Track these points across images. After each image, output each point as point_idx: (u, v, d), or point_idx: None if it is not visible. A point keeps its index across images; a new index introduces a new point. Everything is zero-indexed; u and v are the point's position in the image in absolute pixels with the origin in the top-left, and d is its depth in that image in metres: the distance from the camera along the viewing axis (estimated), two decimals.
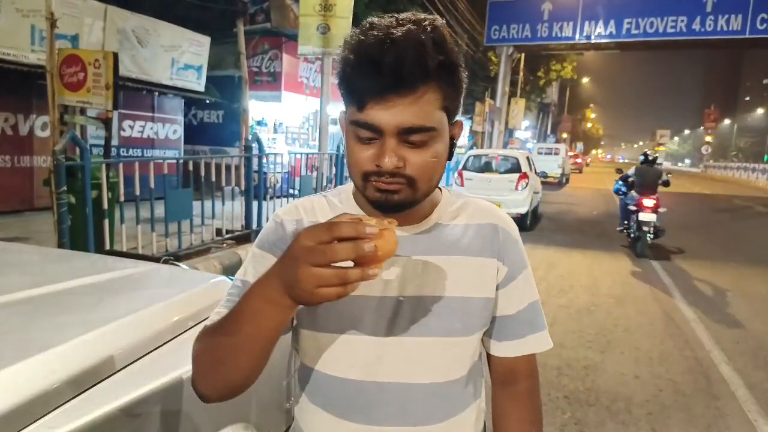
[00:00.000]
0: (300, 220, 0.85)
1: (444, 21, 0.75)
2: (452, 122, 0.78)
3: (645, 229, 7.41)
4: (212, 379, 0.73)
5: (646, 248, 7.50)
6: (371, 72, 0.68)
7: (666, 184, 7.89)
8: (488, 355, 0.92)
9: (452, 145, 0.80)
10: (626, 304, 5.21)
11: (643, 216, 7.39)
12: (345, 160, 0.82)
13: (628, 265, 7.07)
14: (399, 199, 0.75)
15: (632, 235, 7.89)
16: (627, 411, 3.05)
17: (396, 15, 0.73)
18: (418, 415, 0.81)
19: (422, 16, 0.73)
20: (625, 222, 8.16)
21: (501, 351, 0.89)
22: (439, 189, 0.88)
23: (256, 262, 0.84)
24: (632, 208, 7.70)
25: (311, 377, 0.85)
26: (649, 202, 7.38)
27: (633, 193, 7.84)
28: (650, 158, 7.97)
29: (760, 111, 75.09)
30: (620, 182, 8.28)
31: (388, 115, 0.69)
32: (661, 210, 7.50)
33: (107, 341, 1.11)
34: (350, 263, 0.59)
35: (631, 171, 8.12)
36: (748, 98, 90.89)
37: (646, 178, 7.77)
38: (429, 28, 0.70)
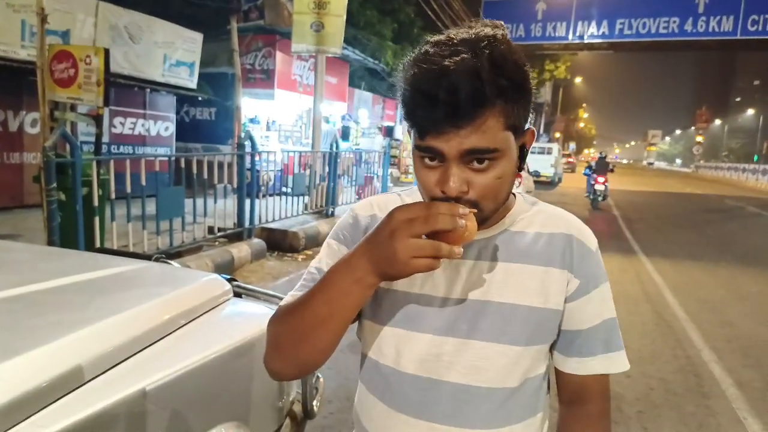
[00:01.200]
0: (374, 215, 0.88)
1: (504, 32, 0.73)
2: (522, 133, 0.76)
3: (597, 193, 13.81)
4: (290, 357, 0.78)
5: (598, 204, 13.84)
6: (427, 106, 0.68)
7: (611, 170, 14.76)
8: (557, 371, 0.89)
9: (524, 154, 0.78)
10: (617, 303, 5.14)
11: (597, 186, 13.73)
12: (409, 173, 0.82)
13: (619, 265, 7.11)
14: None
15: (591, 198, 14.10)
16: (618, 410, 3.07)
17: (452, 35, 0.71)
18: (471, 417, 0.81)
19: (482, 32, 0.71)
20: (589, 191, 14.38)
21: (569, 367, 0.86)
22: (513, 195, 0.88)
23: (332, 252, 0.88)
24: (592, 182, 14.04)
25: (371, 367, 0.88)
26: (600, 179, 13.69)
27: (593, 174, 14.03)
28: (603, 156, 15.30)
29: (750, 112, 75.75)
30: (587, 169, 15.17)
31: (451, 142, 0.70)
32: (606, 184, 13.89)
33: (98, 339, 1.10)
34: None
35: (593, 163, 14.96)
36: (739, 99, 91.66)
37: (600, 167, 14.20)
38: (487, 50, 0.68)
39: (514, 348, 0.80)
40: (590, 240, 0.86)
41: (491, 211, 0.76)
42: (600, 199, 13.84)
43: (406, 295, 0.83)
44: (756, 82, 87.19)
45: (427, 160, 0.73)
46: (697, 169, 53.63)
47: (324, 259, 0.88)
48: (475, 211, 0.68)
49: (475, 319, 0.80)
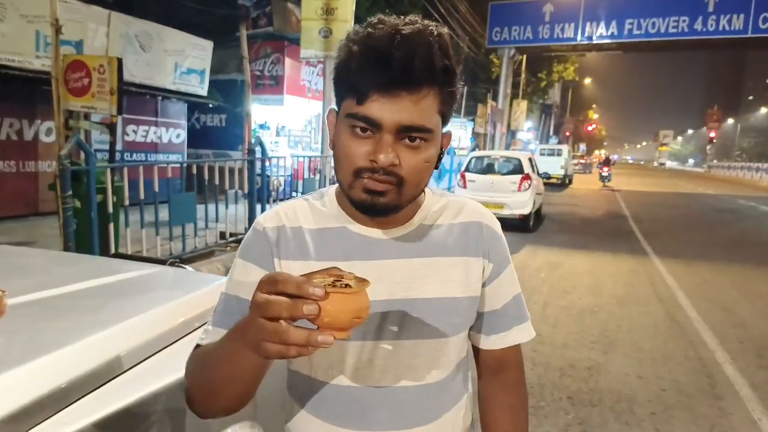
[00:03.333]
0: (282, 226, 0.83)
1: (447, 30, 0.76)
2: (444, 132, 0.78)
3: (604, 176, 25.28)
4: (205, 405, 0.75)
5: (605, 182, 25.01)
6: (380, 64, 0.68)
7: (613, 164, 30.00)
8: (476, 349, 0.93)
9: (440, 155, 0.79)
10: (629, 305, 5.21)
11: (602, 173, 25.53)
12: (334, 158, 0.78)
13: (630, 266, 7.07)
14: (385, 201, 0.74)
15: (601, 179, 25.32)
16: (630, 411, 3.06)
17: (401, 17, 0.74)
18: (411, 416, 0.82)
19: (426, 21, 0.74)
20: (601, 176, 25.58)
21: (490, 344, 0.91)
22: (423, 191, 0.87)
23: (241, 273, 0.82)
24: (599, 170, 26.63)
25: (302, 382, 0.85)
26: (605, 169, 25.50)
27: (601, 166, 26.56)
28: (607, 155, 38.03)
29: (763, 111, 74.91)
30: (599, 164, 28.88)
31: (391, 110, 0.69)
32: (610, 172, 25.48)
33: (115, 342, 1.12)
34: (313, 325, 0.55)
35: (601, 161, 28.96)
36: (751, 98, 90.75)
37: (605, 162, 26.44)
38: (435, 33, 0.71)
39: (442, 341, 0.82)
40: (497, 225, 0.90)
41: (411, 196, 0.76)
42: (606, 180, 25.01)
43: None
44: None
45: (358, 130, 0.71)
46: (709, 169, 53.06)
47: (234, 279, 0.82)
48: (368, 284, 0.58)
49: (401, 320, 0.80)
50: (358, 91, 0.70)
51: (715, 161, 57.16)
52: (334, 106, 0.80)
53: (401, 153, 0.71)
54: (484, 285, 0.87)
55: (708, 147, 49.59)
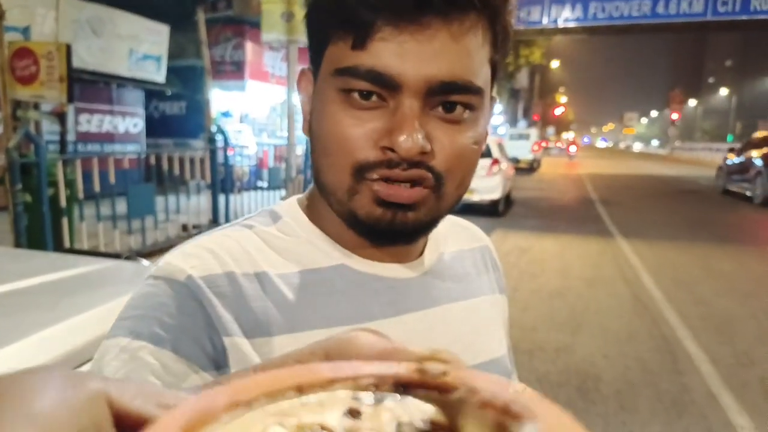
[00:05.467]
0: (229, 273, 0.45)
1: None
2: (491, 91, 0.50)
3: (571, 153, 35.40)
4: None
5: (572, 158, 33.93)
6: None
7: (577, 145, 43.32)
8: None
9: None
10: (596, 287, 5.29)
11: (570, 150, 36.36)
12: (310, 148, 0.50)
13: (598, 248, 7.19)
14: (417, 219, 0.46)
15: (569, 157, 34.81)
16: (596, 390, 3.10)
17: None
18: None
19: None
20: (567, 154, 36.29)
21: None
22: None
23: (137, 366, 0.40)
24: (566, 149, 39.89)
25: None
26: (572, 147, 37.12)
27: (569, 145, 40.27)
28: (572, 137, 55.27)
29: (723, 92, 77.22)
30: (568, 145, 42.08)
31: (416, 55, 0.40)
32: (577, 151, 38.15)
33: (66, 338, 1.10)
34: None
35: (571, 143, 41.75)
36: (711, 80, 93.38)
37: (569, 143, 39.79)
38: None
39: None
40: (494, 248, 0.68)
41: (453, 204, 0.48)
42: (573, 157, 33.42)
43: None
44: (728, 63, 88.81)
45: (356, 96, 0.43)
46: (672, 151, 54.52)
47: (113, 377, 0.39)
48: None
49: None
50: (352, 24, 0.41)
51: (677, 143, 58.80)
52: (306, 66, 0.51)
53: (434, 131, 0.43)
54: None
55: (670, 129, 50.91)
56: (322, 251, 0.50)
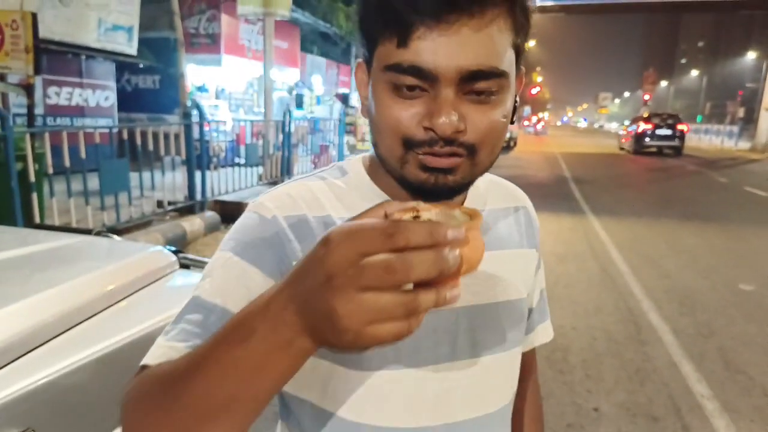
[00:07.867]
0: (302, 216, 0.60)
1: None
2: (518, 71, 0.58)
3: (539, 129, 51.93)
4: None
5: (542, 134, 48.32)
6: None
7: (546, 121, 59.08)
8: None
9: (515, 106, 0.60)
10: (567, 262, 5.45)
11: (538, 127, 53.79)
12: (370, 126, 0.59)
13: (569, 224, 7.37)
14: (455, 180, 0.56)
15: (539, 133, 49.90)
16: (564, 360, 3.24)
17: None
18: None
19: None
20: (537, 131, 51.78)
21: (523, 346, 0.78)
22: None
23: (229, 275, 0.56)
24: (536, 124, 56.89)
25: (333, 426, 0.61)
26: (540, 124, 55.99)
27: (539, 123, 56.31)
28: (543, 115, 42.07)
29: (694, 73, 78.61)
30: (538, 123, 57.22)
31: (447, 50, 0.50)
32: (543, 126, 56.03)
33: (34, 312, 1.08)
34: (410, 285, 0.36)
35: (541, 120, 56.98)
36: (684, 61, 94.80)
37: (539, 121, 52.24)
38: None
39: (516, 351, 0.69)
40: (533, 208, 0.79)
41: (485, 168, 0.58)
42: (540, 133, 44.53)
43: None
44: (700, 44, 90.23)
45: (404, 85, 0.52)
46: None
47: (219, 283, 0.56)
48: (481, 218, 0.41)
49: (473, 332, 0.64)
50: (397, 27, 0.51)
51: None
52: (361, 58, 0.60)
53: (467, 112, 0.53)
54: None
55: (642, 109, 51.80)
56: (373, 202, 0.54)
